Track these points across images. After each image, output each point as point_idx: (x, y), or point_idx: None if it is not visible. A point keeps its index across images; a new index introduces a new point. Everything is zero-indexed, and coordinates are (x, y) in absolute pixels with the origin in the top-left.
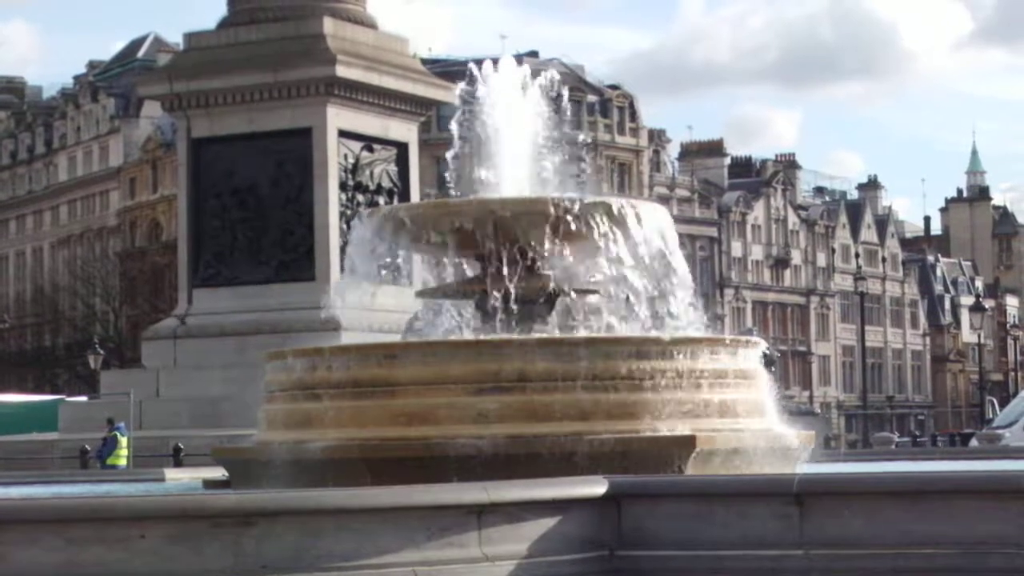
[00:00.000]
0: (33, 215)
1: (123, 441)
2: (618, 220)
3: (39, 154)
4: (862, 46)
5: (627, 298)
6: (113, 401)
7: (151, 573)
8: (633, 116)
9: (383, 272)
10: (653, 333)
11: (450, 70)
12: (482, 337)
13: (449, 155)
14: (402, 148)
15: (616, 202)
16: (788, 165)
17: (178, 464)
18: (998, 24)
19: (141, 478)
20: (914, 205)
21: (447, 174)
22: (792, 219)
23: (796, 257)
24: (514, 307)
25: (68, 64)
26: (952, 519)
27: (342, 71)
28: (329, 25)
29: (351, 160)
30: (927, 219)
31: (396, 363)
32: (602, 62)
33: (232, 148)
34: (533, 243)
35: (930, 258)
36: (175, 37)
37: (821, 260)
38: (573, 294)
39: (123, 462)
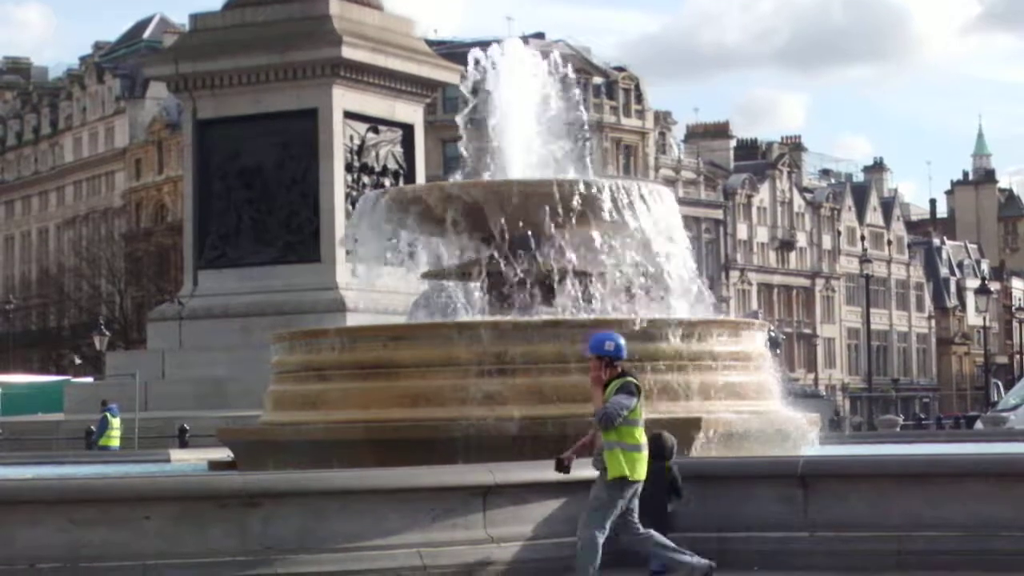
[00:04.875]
0: (39, 196)
1: (114, 422)
2: (624, 203)
3: (45, 135)
4: (870, 30)
5: (632, 280)
6: (119, 382)
7: (156, 554)
8: (639, 98)
9: (389, 254)
10: (659, 315)
11: (456, 52)
12: (487, 319)
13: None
14: (408, 130)
15: (622, 185)
16: (794, 147)
17: (184, 445)
18: (1005, 9)
19: (147, 459)
20: (920, 188)
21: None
22: (798, 201)
23: (801, 240)
24: (520, 289)
25: (80, 46)
26: (957, 502)
27: (348, 52)
28: (335, 6)
29: (357, 142)
30: (933, 202)
31: (401, 345)
32: (611, 44)
33: (238, 129)
34: (539, 225)
35: (936, 241)
36: (181, 18)
37: (826, 243)
38: (579, 275)
39: (115, 443)
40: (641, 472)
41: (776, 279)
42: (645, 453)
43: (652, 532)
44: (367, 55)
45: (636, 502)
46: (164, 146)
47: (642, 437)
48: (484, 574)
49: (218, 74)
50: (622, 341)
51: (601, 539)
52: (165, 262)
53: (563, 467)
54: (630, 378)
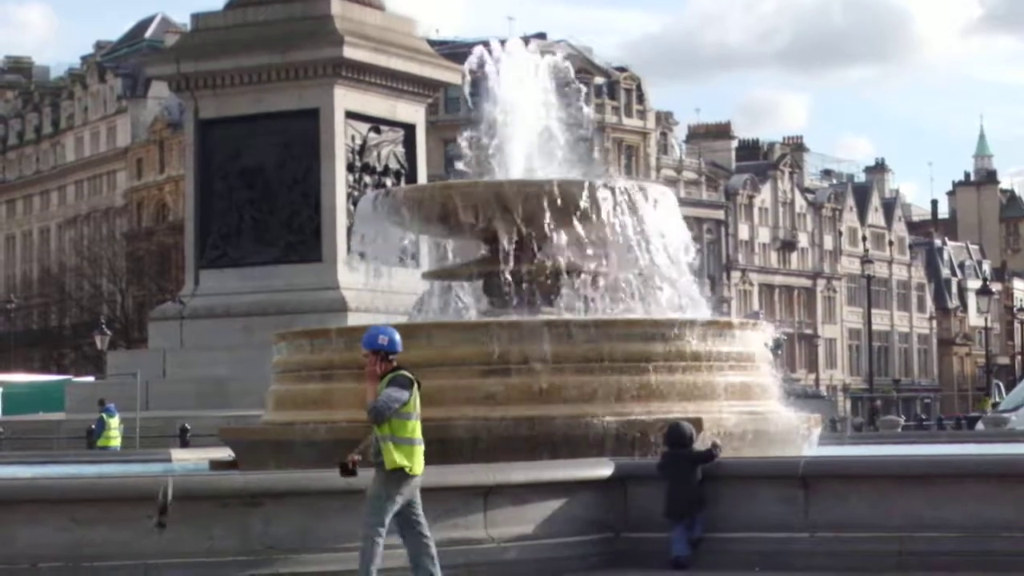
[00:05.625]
0: (40, 195)
1: (111, 422)
2: (625, 203)
3: (46, 134)
4: (872, 31)
5: (633, 281)
6: (120, 382)
7: (157, 553)
8: (641, 98)
9: (390, 254)
10: (659, 316)
11: (458, 52)
12: (489, 319)
13: (462, 138)
14: (409, 129)
15: (624, 185)
16: (795, 148)
17: (185, 445)
18: (1006, 10)
19: (148, 459)
20: (921, 189)
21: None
22: (799, 202)
23: (803, 240)
24: (521, 289)
25: (81, 45)
26: (957, 503)
27: (349, 52)
28: (337, 6)
29: (358, 141)
30: (934, 203)
31: (403, 344)
32: (613, 44)
33: (239, 129)
34: (540, 226)
35: (937, 242)
36: (183, 18)
37: (828, 243)
38: (580, 276)
39: (114, 443)
40: (419, 466)
41: (777, 279)
42: (420, 448)
43: (431, 542)
44: (369, 55)
45: (419, 498)
46: (165, 145)
47: (416, 432)
48: (485, 573)
49: (220, 74)
50: (397, 336)
51: (380, 538)
52: (166, 261)
53: (348, 471)
54: (403, 372)
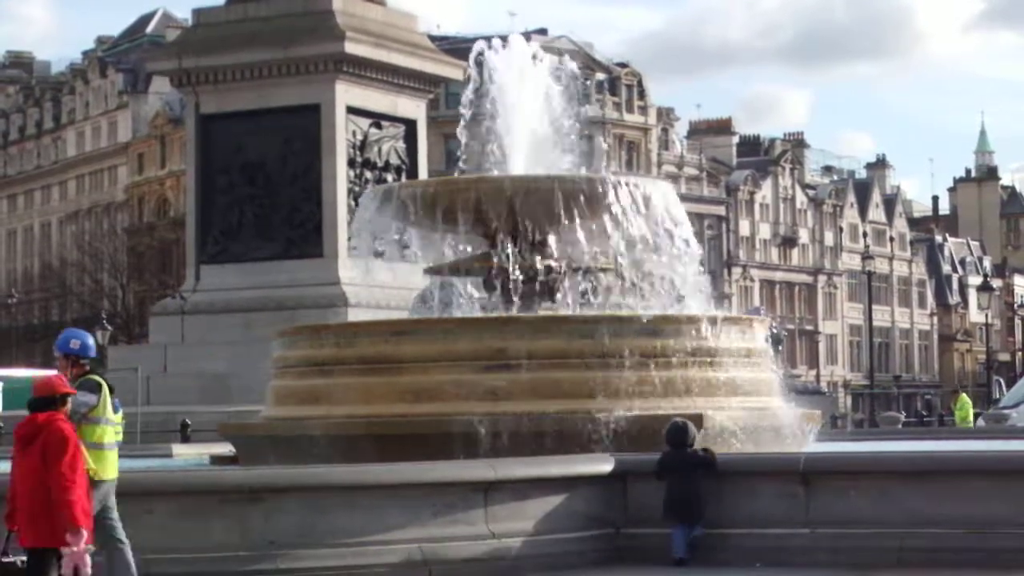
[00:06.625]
0: (41, 190)
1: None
2: (627, 199)
3: (47, 129)
4: (873, 27)
5: (635, 276)
6: (121, 377)
7: (158, 549)
8: (642, 94)
9: (391, 249)
10: (661, 311)
11: (459, 47)
12: (490, 314)
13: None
14: (410, 125)
15: (625, 181)
16: (796, 144)
17: (185, 440)
18: (1008, 6)
19: (148, 454)
20: (922, 185)
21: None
22: (800, 198)
23: (804, 236)
24: (522, 285)
25: (83, 40)
26: (959, 499)
27: (351, 48)
28: (338, 1)
29: (359, 137)
30: (935, 199)
31: (403, 340)
32: (614, 40)
33: (240, 124)
34: (541, 221)
35: (938, 238)
36: (184, 13)
37: (829, 239)
38: (581, 271)
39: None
40: (110, 471)
41: (778, 275)
42: (111, 452)
43: (128, 548)
44: (370, 50)
45: (113, 501)
46: (167, 140)
47: (106, 436)
48: (485, 569)
49: (221, 69)
50: (90, 340)
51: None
52: (167, 257)
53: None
54: (92, 376)
